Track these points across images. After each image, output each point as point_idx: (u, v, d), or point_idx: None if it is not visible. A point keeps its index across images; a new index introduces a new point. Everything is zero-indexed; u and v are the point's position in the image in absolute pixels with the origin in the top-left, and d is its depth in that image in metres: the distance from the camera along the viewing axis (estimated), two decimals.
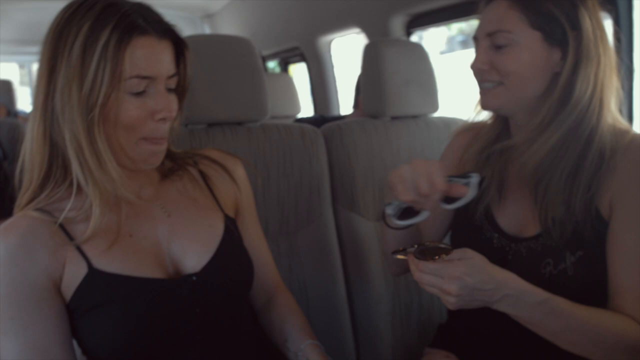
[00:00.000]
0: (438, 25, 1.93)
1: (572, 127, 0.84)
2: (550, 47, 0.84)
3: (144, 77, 0.72)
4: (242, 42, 1.21)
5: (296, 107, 2.84)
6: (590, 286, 0.83)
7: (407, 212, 0.85)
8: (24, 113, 3.47)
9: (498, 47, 0.86)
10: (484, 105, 0.92)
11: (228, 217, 0.89)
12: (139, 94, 0.73)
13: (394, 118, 1.41)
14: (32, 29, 3.20)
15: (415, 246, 0.76)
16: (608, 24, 1.25)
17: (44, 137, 0.73)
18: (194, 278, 0.80)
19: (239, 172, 0.95)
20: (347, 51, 2.77)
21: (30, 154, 0.75)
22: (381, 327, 1.33)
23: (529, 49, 0.84)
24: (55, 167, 0.75)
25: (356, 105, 2.05)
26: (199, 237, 0.84)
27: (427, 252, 0.73)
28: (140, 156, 0.77)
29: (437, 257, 0.72)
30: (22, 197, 0.76)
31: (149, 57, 0.72)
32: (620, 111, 1.22)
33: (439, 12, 1.80)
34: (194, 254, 0.82)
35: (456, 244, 1.01)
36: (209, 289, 0.81)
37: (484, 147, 0.97)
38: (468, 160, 0.99)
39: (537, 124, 0.86)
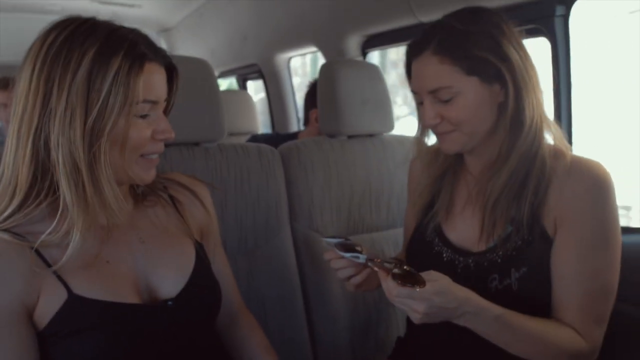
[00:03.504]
0: (392, 47, 1.99)
1: (524, 151, 0.88)
2: (489, 86, 0.88)
3: (151, 102, 0.76)
4: (199, 63, 1.22)
5: (254, 124, 2.84)
6: (534, 300, 0.88)
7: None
8: None
9: (444, 101, 0.89)
10: (446, 150, 0.96)
11: (197, 243, 0.91)
12: (143, 117, 0.76)
13: (351, 137, 1.44)
14: None
15: (393, 264, 0.82)
16: (546, 49, 1.33)
17: (31, 158, 0.72)
18: (170, 303, 0.81)
19: (207, 197, 0.97)
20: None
21: (13, 174, 0.73)
22: (340, 343, 1.34)
23: (471, 94, 0.88)
24: (40, 188, 0.73)
25: (306, 121, 2.06)
26: (173, 263, 0.85)
27: (402, 278, 0.79)
28: (137, 174, 0.79)
29: (411, 285, 0.77)
30: None
31: (155, 82, 0.77)
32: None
33: (392, 34, 1.86)
34: (169, 280, 0.83)
35: (411, 257, 1.06)
36: (185, 313, 0.82)
37: (438, 173, 1.02)
38: (426, 185, 1.04)
39: (497, 155, 0.91)
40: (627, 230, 1.04)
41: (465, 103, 0.88)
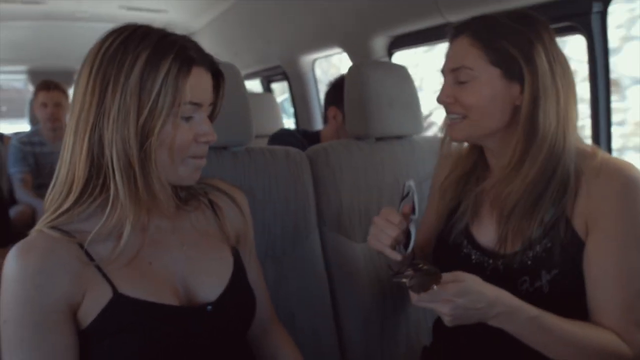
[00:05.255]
0: (418, 47, 1.96)
1: (543, 161, 0.87)
2: (509, 82, 0.88)
3: (195, 104, 0.78)
4: (227, 67, 1.21)
5: (279, 126, 2.84)
6: (565, 303, 0.86)
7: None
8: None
9: (461, 82, 0.91)
10: (452, 137, 0.98)
11: (235, 249, 0.91)
12: (188, 119, 0.79)
13: (379, 139, 1.42)
14: (16, 48, 3.16)
15: (410, 270, 0.80)
16: (582, 48, 1.29)
17: (87, 155, 0.75)
18: (209, 308, 0.82)
19: (245, 204, 0.98)
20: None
21: (70, 171, 0.76)
22: (370, 349, 1.33)
23: (488, 84, 0.89)
24: (95, 184, 0.76)
25: (325, 120, 2.04)
26: (213, 268, 0.86)
27: (421, 283, 0.78)
28: (185, 172, 0.81)
29: (429, 288, 0.77)
30: (55, 212, 0.76)
31: (201, 86, 0.79)
32: (599, 131, 1.25)
33: (420, 34, 1.83)
34: (207, 285, 0.84)
35: (438, 260, 1.05)
36: (222, 319, 0.83)
37: (462, 174, 1.02)
38: (448, 188, 1.04)
39: (510, 158, 0.90)
40: None
41: (480, 90, 0.89)
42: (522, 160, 0.88)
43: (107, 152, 0.74)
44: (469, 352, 0.94)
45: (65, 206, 0.76)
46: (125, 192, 0.75)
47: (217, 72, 0.84)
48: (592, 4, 1.23)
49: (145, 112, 0.73)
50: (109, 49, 0.75)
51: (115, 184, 0.75)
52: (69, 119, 0.78)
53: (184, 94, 0.75)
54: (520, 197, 0.88)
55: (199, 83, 0.78)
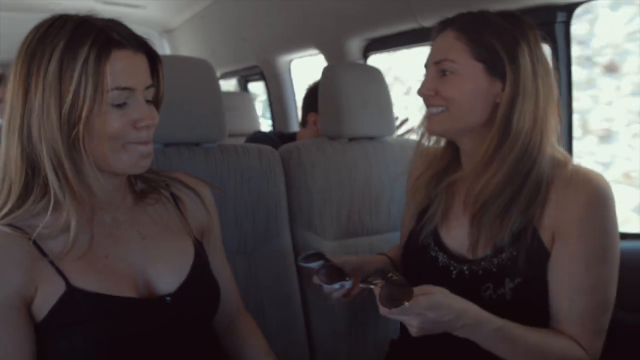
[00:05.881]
0: (394, 50, 1.99)
1: (515, 161, 0.87)
2: (491, 79, 0.89)
3: (124, 89, 0.75)
4: (201, 64, 1.22)
5: (255, 125, 2.85)
6: (527, 310, 0.88)
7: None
8: None
9: (443, 75, 0.91)
10: (429, 129, 0.97)
11: (197, 241, 0.91)
12: (120, 105, 0.75)
13: (351, 139, 1.44)
14: None
15: (379, 279, 0.81)
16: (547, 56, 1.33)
17: (21, 156, 0.74)
18: (168, 299, 0.82)
19: (209, 197, 0.97)
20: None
21: (8, 172, 0.75)
22: (338, 347, 1.35)
23: (471, 78, 0.89)
24: (36, 185, 0.75)
25: (304, 124, 2.05)
26: (172, 260, 0.86)
27: (390, 294, 0.78)
28: (129, 160, 0.78)
29: (400, 304, 0.76)
30: None
31: (128, 69, 0.75)
32: (559, 141, 1.30)
33: (394, 38, 1.86)
34: (167, 276, 0.84)
35: (405, 261, 1.06)
36: (182, 310, 0.83)
37: (434, 174, 1.02)
38: (420, 187, 1.04)
39: (482, 155, 0.90)
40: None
41: (462, 83, 0.89)
42: (493, 157, 0.88)
43: (37, 149, 0.73)
44: (436, 345, 0.95)
45: (6, 209, 0.75)
46: (62, 190, 0.73)
47: (152, 54, 0.81)
48: (556, 14, 1.28)
49: (67, 104, 0.71)
50: (31, 45, 0.73)
51: (51, 183, 0.73)
52: (3, 119, 0.76)
53: (105, 81, 0.72)
54: (491, 195, 0.88)
55: (125, 66, 0.74)
